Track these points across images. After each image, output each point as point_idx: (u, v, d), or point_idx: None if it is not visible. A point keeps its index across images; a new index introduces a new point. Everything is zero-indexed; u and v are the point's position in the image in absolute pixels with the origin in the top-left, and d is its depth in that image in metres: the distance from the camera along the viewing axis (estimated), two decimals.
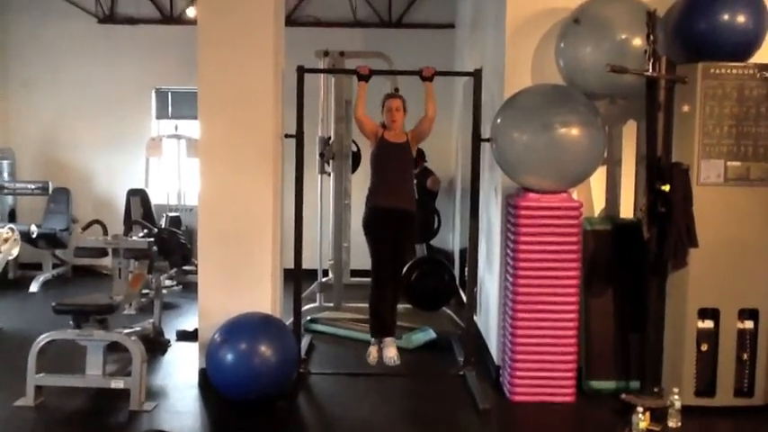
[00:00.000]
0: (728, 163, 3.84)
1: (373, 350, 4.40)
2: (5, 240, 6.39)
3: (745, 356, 3.88)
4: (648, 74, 3.82)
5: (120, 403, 3.91)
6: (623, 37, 3.98)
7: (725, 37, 3.81)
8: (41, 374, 3.95)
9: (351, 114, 5.70)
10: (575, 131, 3.92)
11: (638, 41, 3.92)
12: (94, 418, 3.86)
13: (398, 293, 4.52)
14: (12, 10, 7.79)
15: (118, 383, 3.95)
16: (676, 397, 3.70)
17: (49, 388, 4.00)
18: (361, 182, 5.78)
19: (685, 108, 3.89)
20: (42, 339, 3.98)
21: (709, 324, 3.87)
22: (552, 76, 4.22)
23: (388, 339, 4.31)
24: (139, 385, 3.91)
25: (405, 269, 5.00)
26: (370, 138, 4.52)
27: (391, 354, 4.25)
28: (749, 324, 3.89)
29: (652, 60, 3.81)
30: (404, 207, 4.40)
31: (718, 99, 3.81)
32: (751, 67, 3.83)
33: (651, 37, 3.79)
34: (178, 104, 7.95)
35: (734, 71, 3.81)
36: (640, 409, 3.48)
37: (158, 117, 7.98)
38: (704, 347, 3.86)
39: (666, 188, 3.80)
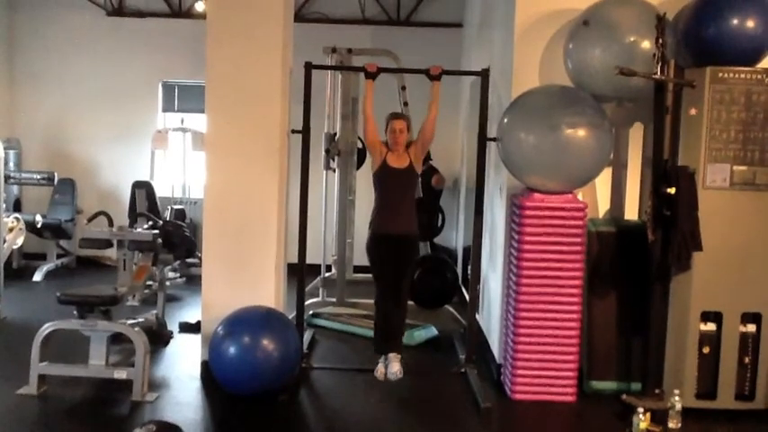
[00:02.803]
0: (735, 167, 3.84)
1: (381, 367, 4.38)
2: (11, 230, 6.42)
3: (747, 360, 3.89)
4: (656, 77, 3.83)
5: (123, 394, 3.93)
6: (632, 40, 3.99)
7: (734, 42, 3.82)
8: (45, 363, 3.97)
9: (357, 111, 5.72)
10: (581, 133, 3.93)
11: (646, 44, 3.93)
12: (97, 407, 3.88)
13: (404, 313, 4.50)
14: (20, 1, 7.80)
15: (121, 374, 3.97)
16: (677, 399, 3.71)
17: (52, 377, 4.02)
18: (365, 178, 5.79)
19: (692, 112, 3.89)
20: (46, 329, 4.00)
21: (711, 327, 3.88)
22: (560, 78, 4.23)
23: (392, 355, 4.30)
24: (142, 376, 3.93)
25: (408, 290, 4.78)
26: (373, 155, 4.40)
27: (395, 369, 4.24)
28: (752, 328, 3.89)
29: (660, 64, 3.81)
30: (404, 232, 4.34)
31: (726, 103, 3.81)
32: (759, 72, 3.83)
33: (660, 40, 3.79)
34: (184, 98, 7.96)
35: (742, 76, 3.81)
36: (641, 410, 3.49)
37: (164, 110, 7.99)
38: (706, 350, 3.87)
39: (672, 191, 3.82)
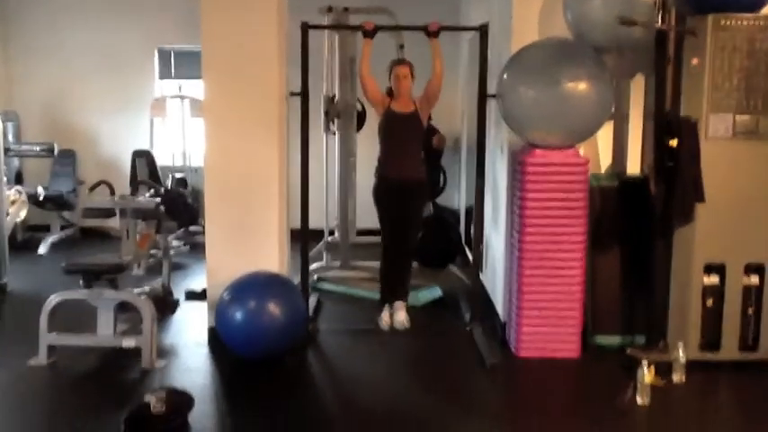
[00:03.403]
0: (737, 117, 3.79)
1: (385, 315, 4.41)
2: (13, 202, 6.43)
3: (751, 311, 3.89)
4: (658, 26, 3.76)
5: (132, 361, 3.97)
6: None
7: None
8: (53, 334, 4.00)
9: (356, 72, 5.64)
10: (582, 86, 3.87)
11: None
12: (107, 375, 3.92)
13: (410, 261, 4.49)
14: None
15: (129, 342, 4.00)
16: (681, 351, 3.74)
17: (62, 347, 4.05)
18: (366, 140, 5.76)
19: (694, 61, 3.83)
20: (53, 299, 4.02)
21: (714, 279, 3.87)
22: (560, 30, 4.16)
23: (398, 303, 4.29)
24: (150, 343, 3.96)
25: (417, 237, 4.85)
26: (376, 106, 4.44)
27: (401, 318, 4.26)
28: (755, 279, 3.89)
29: (661, 12, 3.75)
30: (413, 177, 4.35)
31: (728, 52, 3.74)
32: (762, 18, 3.75)
33: None
34: (181, 64, 7.88)
35: (745, 23, 3.73)
36: (645, 363, 3.51)
37: (161, 77, 7.92)
38: (710, 302, 3.87)
39: (674, 143, 3.78)
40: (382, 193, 4.39)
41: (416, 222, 4.54)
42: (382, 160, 4.41)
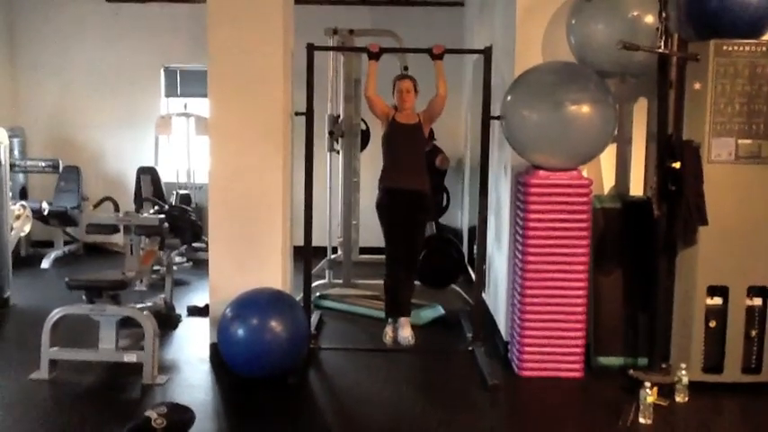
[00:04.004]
0: (739, 141, 3.81)
1: (389, 330, 4.39)
2: (17, 217, 6.46)
3: (754, 333, 3.89)
4: (660, 51, 3.80)
5: (133, 377, 3.96)
6: (635, 14, 3.96)
7: (738, 14, 3.77)
8: (55, 349, 4.01)
9: (360, 92, 5.70)
10: (585, 109, 3.91)
11: (649, 18, 3.90)
12: (108, 391, 3.92)
13: (413, 274, 4.50)
14: None
15: (131, 357, 4.00)
16: (684, 373, 3.74)
17: (63, 362, 4.06)
18: (369, 160, 5.79)
19: (697, 86, 3.87)
20: (56, 314, 4.03)
21: (717, 301, 3.88)
22: (563, 54, 4.20)
23: (404, 319, 4.30)
24: (152, 359, 3.96)
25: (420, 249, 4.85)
26: (381, 119, 4.52)
27: (406, 333, 4.26)
28: (758, 301, 3.89)
29: (664, 38, 3.79)
30: (416, 188, 4.39)
31: (730, 77, 3.78)
32: (764, 44, 3.79)
33: (663, 14, 3.77)
34: (187, 83, 7.95)
35: (746, 48, 3.77)
36: (648, 384, 3.51)
37: (167, 95, 7.99)
38: (713, 324, 3.87)
39: (677, 166, 3.81)
40: (386, 204, 4.42)
41: (420, 235, 4.55)
42: (386, 171, 4.46)
